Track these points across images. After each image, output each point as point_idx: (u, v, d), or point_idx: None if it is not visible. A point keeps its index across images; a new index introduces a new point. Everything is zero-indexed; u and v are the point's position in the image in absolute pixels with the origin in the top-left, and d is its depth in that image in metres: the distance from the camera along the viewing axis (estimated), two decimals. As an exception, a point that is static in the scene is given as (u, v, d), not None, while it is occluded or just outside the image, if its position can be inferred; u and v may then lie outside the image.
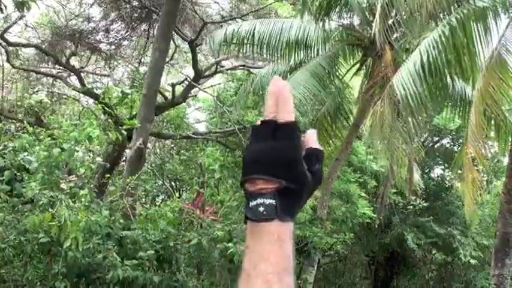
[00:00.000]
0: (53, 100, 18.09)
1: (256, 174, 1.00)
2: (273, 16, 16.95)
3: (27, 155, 7.96)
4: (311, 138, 1.09)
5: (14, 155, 7.87)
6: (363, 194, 17.05)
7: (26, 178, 7.90)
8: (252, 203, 0.99)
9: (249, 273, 0.98)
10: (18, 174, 7.93)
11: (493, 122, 11.85)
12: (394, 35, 13.03)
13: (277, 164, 1.00)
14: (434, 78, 11.08)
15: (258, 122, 1.03)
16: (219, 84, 20.23)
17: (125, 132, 8.98)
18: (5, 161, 7.86)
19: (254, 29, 13.29)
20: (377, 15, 11.90)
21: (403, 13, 12.41)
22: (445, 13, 11.65)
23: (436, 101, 13.23)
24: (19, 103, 17.26)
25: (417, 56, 10.76)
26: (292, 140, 1.02)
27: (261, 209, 0.98)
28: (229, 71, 18.42)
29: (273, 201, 0.98)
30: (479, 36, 10.59)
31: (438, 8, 11.12)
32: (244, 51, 13.95)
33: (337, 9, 13.57)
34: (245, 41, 13.43)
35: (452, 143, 22.79)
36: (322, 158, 1.10)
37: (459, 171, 12.03)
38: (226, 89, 19.01)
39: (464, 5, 10.94)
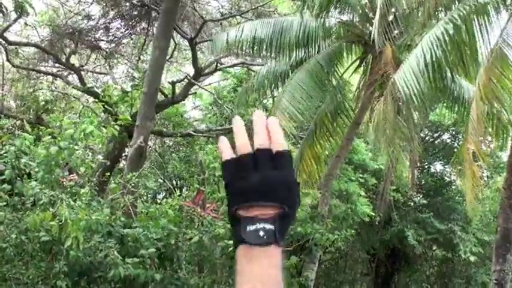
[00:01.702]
0: (53, 99, 18.08)
1: (257, 201, 1.04)
2: (273, 13, 16.92)
3: (29, 159, 7.95)
4: None
5: (14, 155, 7.86)
6: (363, 193, 17.03)
7: (26, 178, 7.90)
8: (250, 228, 1.03)
9: None
10: (18, 177, 7.92)
11: (493, 116, 11.81)
12: (395, 32, 12.99)
13: (280, 190, 1.05)
14: (437, 77, 11.05)
15: (244, 152, 1.07)
16: (217, 82, 20.22)
17: (118, 128, 8.96)
18: (5, 164, 7.85)
19: (255, 32, 13.33)
20: (377, 16, 11.87)
21: (404, 9, 12.39)
22: (446, 10, 11.65)
23: (437, 98, 13.22)
24: (20, 102, 17.27)
25: (420, 54, 10.69)
26: (290, 167, 1.08)
27: (262, 233, 1.02)
28: (227, 69, 18.39)
29: (272, 227, 1.02)
30: (481, 32, 10.58)
31: (439, 6, 11.11)
32: (245, 49, 13.94)
33: (337, 6, 13.55)
34: (246, 43, 13.47)
35: (452, 139, 22.77)
36: None
37: (459, 167, 12.00)
38: (222, 87, 18.98)
39: (466, 1, 10.90)
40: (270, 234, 1.02)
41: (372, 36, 12.07)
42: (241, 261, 1.04)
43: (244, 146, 1.07)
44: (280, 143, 1.07)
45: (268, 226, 1.02)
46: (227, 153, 1.09)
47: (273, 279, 1.02)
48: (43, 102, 16.22)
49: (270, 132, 1.07)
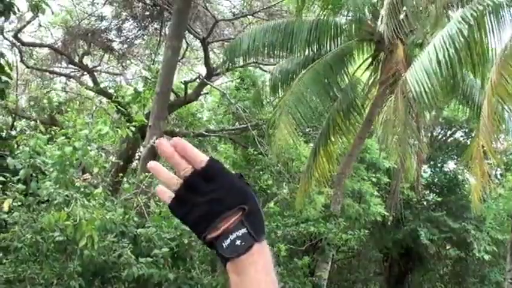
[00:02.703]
0: (66, 100, 18.20)
1: (215, 219, 1.04)
2: (284, 13, 16.89)
3: (44, 159, 8.00)
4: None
5: (29, 155, 7.92)
6: (376, 193, 16.95)
7: (41, 178, 7.95)
8: (226, 243, 1.03)
9: None
10: (33, 175, 7.98)
11: (505, 113, 11.73)
12: (406, 30, 12.93)
13: (229, 195, 1.05)
14: (449, 75, 11.00)
15: (179, 183, 1.07)
16: (226, 82, 20.23)
17: (133, 129, 9.00)
18: (21, 163, 7.91)
19: (267, 36, 13.43)
20: (385, 11, 11.84)
21: (415, 6, 12.34)
22: (457, 7, 11.60)
23: (448, 96, 13.15)
24: (34, 102, 17.39)
25: (432, 52, 10.63)
26: (222, 170, 1.08)
27: (238, 242, 1.02)
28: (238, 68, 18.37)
29: (245, 230, 1.03)
30: (493, 30, 10.52)
31: (451, 4, 11.07)
32: (260, 51, 14.02)
33: (345, 5, 13.58)
34: (259, 48, 13.58)
35: (465, 137, 22.62)
36: None
37: (470, 165, 11.91)
38: (227, 87, 18.99)
39: (479, 0, 10.82)
40: (246, 237, 1.02)
41: (382, 31, 12.05)
42: (231, 276, 1.05)
43: (172, 181, 1.08)
44: (199, 160, 1.06)
45: (241, 231, 1.03)
46: (166, 197, 1.09)
47: (264, 284, 1.03)
48: (57, 103, 16.33)
49: (184, 155, 1.06)
